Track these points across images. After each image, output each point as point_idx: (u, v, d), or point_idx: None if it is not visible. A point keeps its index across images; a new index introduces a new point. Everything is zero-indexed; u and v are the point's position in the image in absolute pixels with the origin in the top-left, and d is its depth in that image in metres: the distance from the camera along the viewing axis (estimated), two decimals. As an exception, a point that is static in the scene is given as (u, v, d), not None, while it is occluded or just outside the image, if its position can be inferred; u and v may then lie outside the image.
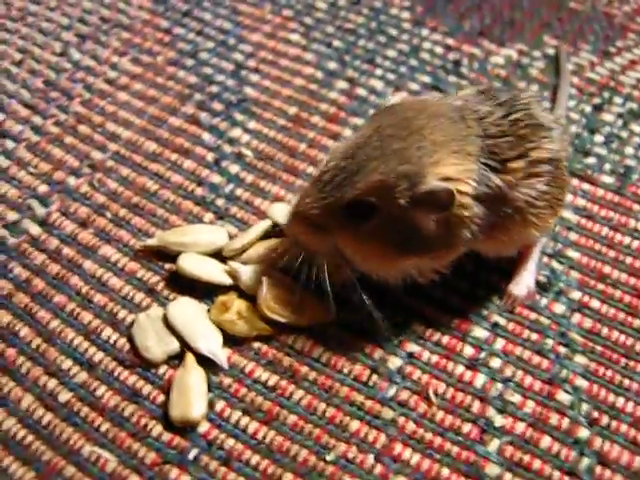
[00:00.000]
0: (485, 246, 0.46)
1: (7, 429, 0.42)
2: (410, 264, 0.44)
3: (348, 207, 0.41)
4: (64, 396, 0.44)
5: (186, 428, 0.42)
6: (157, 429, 0.42)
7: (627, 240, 0.52)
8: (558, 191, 0.45)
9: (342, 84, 0.61)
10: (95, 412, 0.43)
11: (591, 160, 0.56)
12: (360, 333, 0.46)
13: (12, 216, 0.52)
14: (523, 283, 0.48)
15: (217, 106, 0.60)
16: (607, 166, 0.56)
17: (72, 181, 0.54)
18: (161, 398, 0.44)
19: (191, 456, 0.41)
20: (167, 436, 0.42)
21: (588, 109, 0.60)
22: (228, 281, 0.47)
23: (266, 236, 0.49)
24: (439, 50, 0.65)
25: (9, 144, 0.57)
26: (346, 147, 0.42)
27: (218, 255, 0.49)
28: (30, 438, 0.42)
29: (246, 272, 0.47)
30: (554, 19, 0.69)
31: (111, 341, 0.46)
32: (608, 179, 0.55)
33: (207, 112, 0.59)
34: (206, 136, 0.57)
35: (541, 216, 0.45)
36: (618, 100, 0.61)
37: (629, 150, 0.57)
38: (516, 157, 0.43)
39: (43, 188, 0.54)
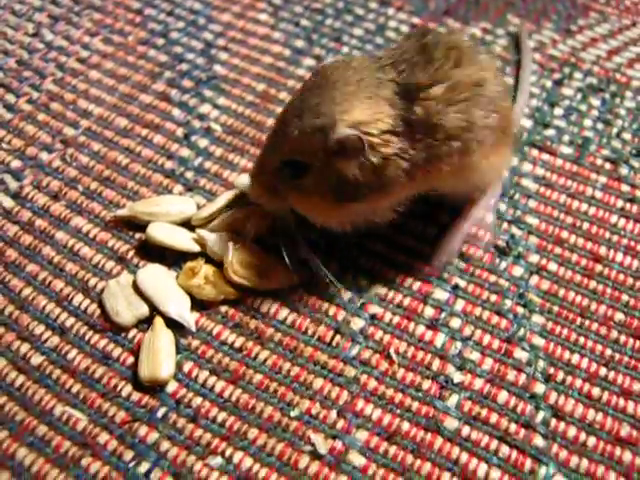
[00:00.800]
0: (435, 181, 0.47)
1: (-20, 391, 0.44)
2: (354, 212, 0.45)
3: (284, 168, 0.44)
4: (36, 359, 0.45)
5: (155, 388, 0.44)
6: (126, 389, 0.44)
7: (584, 207, 0.53)
8: (499, 117, 0.46)
9: (309, 61, 0.63)
10: (66, 374, 0.44)
11: (550, 132, 0.58)
12: (324, 296, 0.48)
13: (-15, 190, 0.53)
14: (455, 241, 0.50)
15: (187, 83, 0.61)
16: (566, 137, 0.58)
17: (44, 156, 0.55)
18: (130, 360, 0.45)
19: (159, 414, 0.43)
20: (136, 396, 0.44)
21: (549, 84, 0.62)
22: (196, 248, 0.49)
23: (232, 205, 0.51)
24: (404, 28, 0.66)
25: (-18, 121, 0.58)
26: (281, 111, 0.45)
27: (187, 225, 0.50)
28: (3, 399, 0.43)
29: (212, 239, 0.48)
30: (518, -1, 0.70)
31: (82, 307, 0.47)
32: (567, 150, 0.57)
33: (177, 89, 0.60)
34: (176, 112, 0.59)
35: (484, 144, 0.45)
36: (578, 75, 0.63)
37: (587, 122, 0.59)
38: (433, 83, 0.44)
39: (16, 163, 0.55)
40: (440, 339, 0.46)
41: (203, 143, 0.56)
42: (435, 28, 0.48)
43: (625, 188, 0.55)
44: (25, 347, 0.45)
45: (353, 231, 0.48)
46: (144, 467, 0.41)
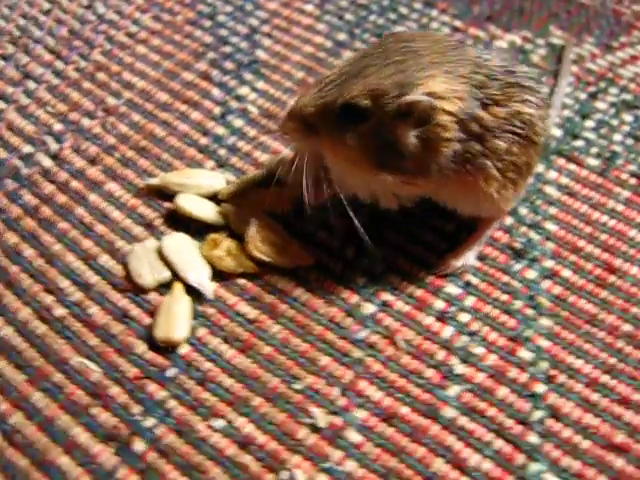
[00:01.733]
0: (449, 189, 0.48)
1: (4, 336, 0.46)
2: (382, 182, 0.46)
3: (342, 108, 0.43)
4: (59, 311, 0.47)
5: (168, 349, 0.46)
6: (141, 348, 0.46)
7: (604, 219, 0.54)
8: (524, 161, 0.47)
9: (349, 54, 0.64)
10: (86, 328, 0.47)
11: (579, 143, 0.59)
12: (339, 279, 0.49)
13: (27, 149, 0.56)
14: (462, 257, 0.50)
15: (229, 65, 0.63)
16: (594, 150, 0.58)
17: (86, 122, 0.58)
18: (147, 321, 0.47)
19: (170, 374, 0.45)
20: (150, 354, 0.46)
21: (583, 96, 0.63)
22: (221, 221, 0.51)
23: (260, 184, 0.53)
24: (446, 30, 0.68)
25: (31, 84, 0.61)
26: (353, 57, 0.46)
27: (214, 198, 0.52)
28: (24, 346, 0.46)
29: (237, 214, 0.50)
30: (563, 11, 0.71)
31: (107, 266, 0.49)
32: (594, 162, 0.57)
33: (219, 70, 0.62)
34: (215, 91, 0.61)
35: (504, 178, 0.47)
36: (614, 91, 0.63)
37: (617, 137, 0.60)
38: (500, 103, 0.45)
39: (58, 126, 0.57)
40: (447, 331, 0.48)
41: (238, 123, 0.58)
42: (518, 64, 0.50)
43: (647, 204, 0.55)
44: (50, 299, 0.48)
45: (373, 220, 0.49)
46: (150, 422, 0.43)
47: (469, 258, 0.51)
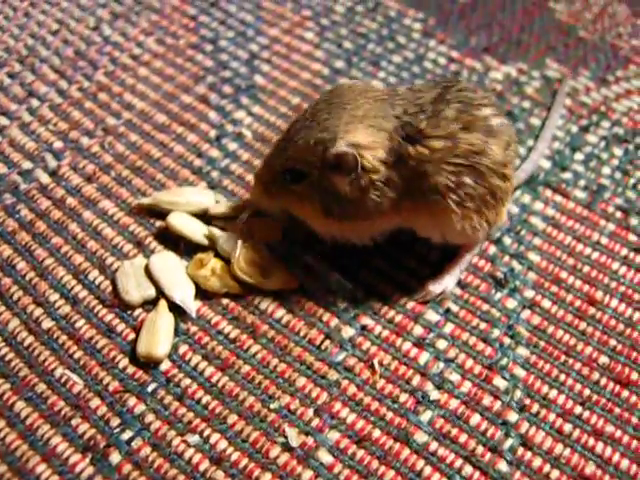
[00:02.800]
0: (412, 222, 0.50)
1: (-8, 346, 0.48)
2: (337, 227, 0.49)
3: (283, 173, 0.48)
4: (47, 324, 0.49)
5: (149, 364, 0.47)
6: (123, 362, 0.47)
7: (588, 251, 0.55)
8: (487, 192, 0.48)
9: (345, 81, 0.66)
10: (71, 341, 0.48)
11: (567, 175, 0.60)
12: (320, 302, 0.50)
13: (27, 165, 0.58)
14: (442, 283, 0.51)
15: (227, 89, 0.65)
16: (582, 182, 0.59)
17: (85, 141, 0.60)
18: (132, 336, 0.48)
19: (150, 389, 0.46)
20: (131, 369, 0.47)
21: (574, 129, 0.64)
22: (208, 242, 0.52)
23: (250, 211, 0.53)
24: (442, 61, 0.69)
25: (34, 102, 0.63)
26: (294, 119, 0.49)
27: (204, 216, 0.54)
28: (11, 356, 0.47)
29: (223, 237, 0.51)
30: (560, 44, 0.72)
31: (96, 282, 0.51)
32: (580, 194, 0.58)
33: (217, 93, 0.64)
34: (212, 115, 0.62)
35: (465, 210, 0.47)
36: (606, 124, 0.64)
37: (606, 170, 0.60)
38: (438, 137, 0.46)
39: (58, 144, 0.59)
40: (424, 357, 0.48)
41: (232, 146, 0.60)
42: (461, 82, 0.50)
43: (632, 238, 0.56)
44: (38, 311, 0.49)
45: (356, 246, 0.50)
46: (127, 435, 0.44)
47: (449, 285, 0.51)
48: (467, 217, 0.48)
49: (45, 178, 0.57)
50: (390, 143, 0.46)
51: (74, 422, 0.44)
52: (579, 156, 0.61)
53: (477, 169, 0.47)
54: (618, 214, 0.57)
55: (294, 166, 0.47)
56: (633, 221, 0.57)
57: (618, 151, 0.62)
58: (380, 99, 0.48)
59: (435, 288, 0.51)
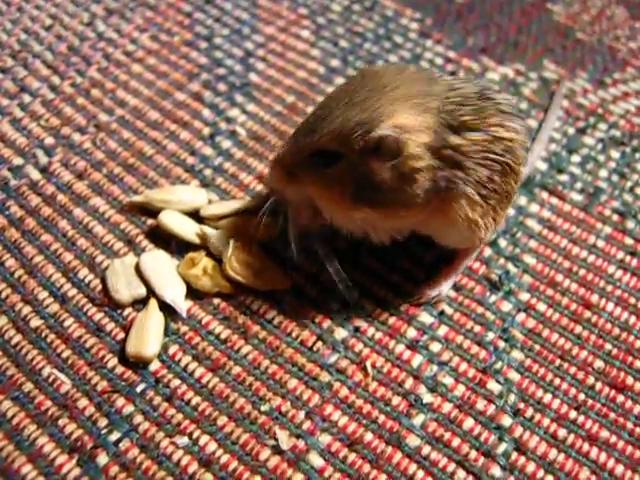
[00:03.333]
0: (432, 222, 0.48)
1: (-22, 343, 0.47)
2: (365, 216, 0.46)
3: (314, 154, 0.44)
4: (35, 322, 0.48)
5: (138, 364, 0.46)
6: (112, 362, 0.46)
7: (584, 254, 0.54)
8: (505, 189, 0.47)
9: (341, 80, 0.65)
10: (60, 340, 0.47)
11: (564, 177, 0.59)
12: (313, 303, 0.50)
13: (17, 161, 0.57)
14: (437, 287, 0.51)
15: (221, 87, 0.64)
16: (578, 185, 0.59)
17: (77, 137, 0.59)
18: (121, 336, 0.48)
19: (139, 389, 0.45)
20: (120, 369, 0.46)
21: (571, 131, 0.63)
22: (200, 241, 0.51)
23: (245, 210, 0.53)
24: (439, 61, 0.68)
25: (26, 98, 0.62)
26: (323, 100, 0.46)
27: (196, 214, 0.53)
28: (-2, 354, 0.46)
29: (215, 236, 0.51)
30: (558, 46, 0.71)
31: (86, 280, 0.50)
32: (577, 197, 0.58)
33: (211, 91, 0.63)
34: (206, 112, 0.62)
35: (486, 204, 0.46)
36: (603, 126, 0.64)
37: (603, 173, 0.60)
38: (475, 128, 0.45)
39: (49, 140, 0.58)
40: (417, 360, 0.48)
41: (226, 144, 0.59)
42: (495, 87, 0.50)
43: (629, 241, 0.55)
44: (27, 309, 0.49)
45: (351, 246, 0.50)
46: (115, 436, 0.43)
47: (444, 288, 0.51)
48: (487, 214, 0.47)
49: (36, 174, 0.56)
50: (435, 125, 0.43)
51: (61, 422, 0.44)
52: (576, 158, 0.61)
53: (505, 167, 0.46)
54: (615, 217, 0.57)
55: (328, 147, 0.44)
56: (630, 224, 0.56)
57: (615, 154, 0.62)
58: (422, 76, 0.46)
59: (431, 291, 0.50)
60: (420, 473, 0.43)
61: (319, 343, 0.48)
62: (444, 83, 0.46)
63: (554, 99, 0.65)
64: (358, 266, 0.52)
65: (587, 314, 0.51)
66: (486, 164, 0.45)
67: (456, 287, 0.51)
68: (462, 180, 0.45)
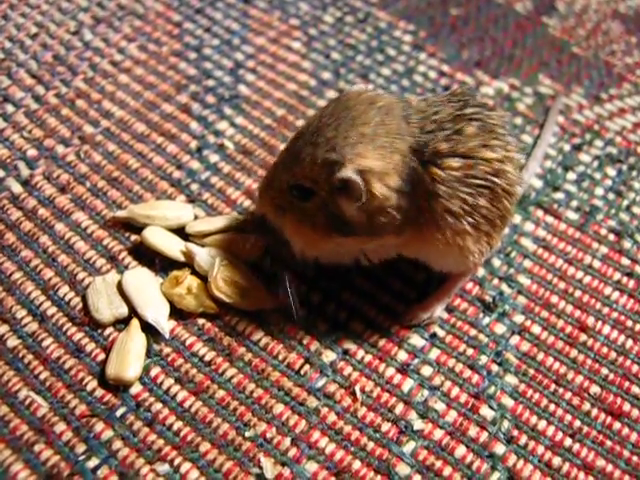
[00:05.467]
0: (420, 251, 0.47)
1: (-48, 365, 0.45)
2: (338, 247, 0.46)
3: (291, 189, 0.45)
4: (12, 342, 0.46)
5: (119, 387, 0.45)
6: (92, 384, 0.45)
7: (580, 274, 0.53)
8: (497, 214, 0.45)
9: (332, 94, 0.64)
10: (38, 361, 0.46)
11: (559, 195, 0.58)
12: (300, 324, 0.48)
13: (-2, 173, 0.55)
14: (430, 309, 0.49)
15: (210, 99, 0.62)
16: (574, 203, 0.57)
17: (60, 149, 0.57)
18: (102, 357, 0.46)
19: (118, 413, 0.44)
20: (100, 392, 0.44)
21: (567, 147, 0.62)
22: (185, 259, 0.50)
23: (231, 228, 0.52)
24: (433, 74, 0.67)
25: (9, 108, 0.60)
26: (297, 131, 0.46)
27: (182, 231, 0.51)
28: (-28, 375, 0.45)
29: (201, 254, 0.49)
30: (554, 60, 0.70)
31: (66, 299, 0.48)
32: (573, 215, 0.57)
33: (199, 103, 0.62)
34: (194, 125, 0.60)
35: (477, 231, 0.45)
36: (599, 143, 0.63)
37: (599, 191, 0.59)
38: (457, 155, 0.43)
39: (32, 152, 0.57)
40: (408, 384, 0.46)
41: (214, 158, 0.58)
42: (476, 97, 0.48)
43: (625, 262, 0.54)
44: (4, 328, 0.47)
45: (340, 266, 0.48)
46: (93, 462, 0.42)
47: (437, 310, 0.49)
48: (478, 241, 0.45)
49: (17, 187, 0.54)
50: (404, 166, 0.43)
51: (37, 448, 0.42)
52: (571, 176, 0.60)
53: (494, 190, 0.44)
54: (611, 237, 0.55)
55: (301, 183, 0.44)
56: (626, 244, 0.55)
57: (611, 171, 0.60)
58: (392, 112, 0.44)
59: (423, 313, 0.49)
60: (410, 504, 0.42)
61: (307, 366, 0.47)
62: (419, 111, 0.44)
63: (549, 115, 0.64)
64: (348, 286, 0.50)
65: (583, 337, 0.50)
66: (470, 190, 0.43)
67: (448, 308, 0.50)
68: (442, 209, 0.43)
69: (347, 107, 0.44)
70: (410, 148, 0.43)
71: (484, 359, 0.48)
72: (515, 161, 0.46)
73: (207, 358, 0.46)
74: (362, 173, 0.42)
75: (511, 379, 0.47)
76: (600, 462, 0.44)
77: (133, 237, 0.52)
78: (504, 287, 0.52)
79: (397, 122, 0.43)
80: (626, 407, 0.46)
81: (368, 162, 0.42)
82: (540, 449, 0.44)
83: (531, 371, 0.48)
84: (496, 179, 0.44)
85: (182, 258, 0.50)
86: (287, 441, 0.43)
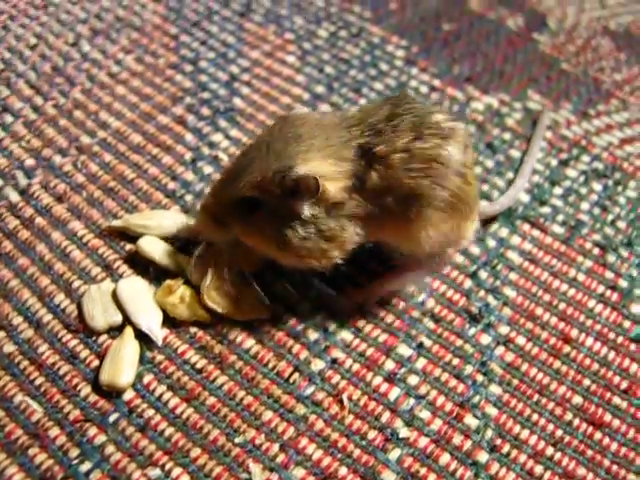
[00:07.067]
0: (391, 236, 0.50)
1: (-52, 370, 0.46)
2: (294, 255, 0.48)
3: (237, 203, 0.47)
4: (8, 348, 0.47)
5: (112, 393, 0.45)
6: (86, 390, 0.46)
7: (564, 287, 0.54)
8: (452, 195, 0.47)
9: (325, 108, 0.65)
10: (33, 366, 0.47)
11: (546, 209, 0.59)
12: (291, 333, 0.49)
13: (-4, 182, 0.57)
14: (390, 283, 0.52)
15: (205, 111, 0.64)
16: (560, 217, 0.59)
17: (58, 159, 0.58)
18: (95, 363, 0.47)
19: (111, 419, 0.45)
20: (93, 398, 0.45)
21: (554, 162, 0.63)
22: (179, 268, 0.51)
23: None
24: (424, 89, 0.68)
25: (8, 118, 0.61)
26: (245, 148, 0.49)
27: (176, 239, 0.53)
28: (-33, 381, 0.46)
29: (194, 264, 0.50)
30: (543, 76, 0.72)
31: (62, 306, 0.50)
32: (558, 229, 0.58)
33: (194, 115, 0.63)
34: (189, 137, 0.61)
35: (435, 215, 0.47)
36: (586, 159, 0.64)
37: (585, 205, 0.60)
38: (395, 151, 0.46)
39: (30, 162, 0.58)
40: (395, 393, 0.47)
41: (208, 170, 0.59)
42: (409, 96, 0.51)
43: (609, 275, 0.55)
44: (0, 334, 0.48)
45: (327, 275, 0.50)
46: (86, 466, 0.43)
47: (402, 284, 0.52)
48: (431, 226, 0.48)
49: (14, 196, 0.55)
50: (351, 170, 0.46)
51: (31, 452, 0.43)
52: (558, 190, 0.61)
53: (437, 174, 0.47)
54: (595, 250, 0.57)
55: (248, 195, 0.46)
56: (611, 258, 0.56)
57: (597, 186, 0.62)
58: (334, 125, 0.47)
59: (380, 289, 0.52)
60: (394, 510, 0.43)
61: (296, 374, 0.48)
62: (358, 119, 0.48)
63: (536, 130, 0.65)
64: (340, 293, 0.51)
65: (566, 349, 0.51)
66: (415, 182, 0.46)
67: (435, 319, 0.51)
68: (394, 202, 0.47)
69: (294, 125, 0.47)
70: (355, 153, 0.46)
71: (469, 369, 0.49)
72: (459, 141, 0.48)
73: (199, 366, 0.47)
74: (313, 172, 0.45)
75: (495, 389, 0.48)
76: (581, 471, 0.45)
77: (128, 246, 0.53)
78: (490, 299, 0.53)
79: (340, 133, 0.47)
80: (607, 417, 0.47)
81: (318, 168, 0.45)
82: (522, 458, 0.45)
83: (515, 381, 0.49)
84: (436, 164, 0.47)
85: (176, 268, 0.51)
86: (276, 447, 0.44)
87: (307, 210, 0.46)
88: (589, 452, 0.46)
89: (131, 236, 0.53)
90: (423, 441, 0.45)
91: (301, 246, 0.47)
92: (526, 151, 0.63)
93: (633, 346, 0.51)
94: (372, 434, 0.45)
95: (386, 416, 0.46)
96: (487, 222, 0.57)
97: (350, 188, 0.46)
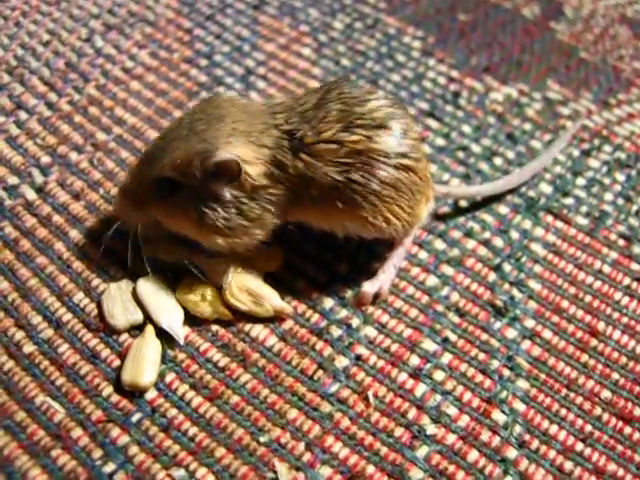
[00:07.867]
0: (315, 218, 0.49)
1: (-31, 370, 0.46)
2: (217, 238, 0.47)
3: (156, 184, 0.46)
4: (28, 348, 0.47)
5: (134, 393, 0.45)
6: (107, 390, 0.45)
7: (590, 280, 0.53)
8: (384, 186, 0.47)
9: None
10: (54, 366, 0.46)
11: (569, 201, 0.58)
12: (314, 330, 0.49)
13: (12, 180, 0.56)
14: (377, 282, 0.50)
15: (221, 105, 0.63)
16: (584, 208, 0.58)
17: (74, 156, 0.58)
18: (117, 363, 0.46)
19: (134, 419, 0.44)
20: (115, 398, 0.45)
21: (576, 153, 0.62)
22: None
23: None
24: (442, 80, 0.67)
25: (23, 115, 0.61)
26: (164, 129, 0.48)
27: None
28: (-11, 381, 0.45)
29: (215, 262, 0.49)
30: (562, 66, 0.71)
31: (82, 305, 0.49)
32: (582, 220, 0.57)
33: (211, 110, 0.62)
34: (205, 131, 0.60)
35: (363, 207, 0.47)
36: (608, 149, 0.63)
37: (608, 196, 0.59)
38: (321, 141, 0.46)
39: (46, 159, 0.57)
40: (421, 389, 0.47)
41: (225, 165, 0.58)
42: (346, 82, 0.50)
43: (635, 267, 0.54)
44: (20, 334, 0.47)
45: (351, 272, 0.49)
46: (110, 467, 0.42)
47: (385, 283, 0.51)
48: (372, 213, 0.47)
49: (31, 194, 0.55)
50: (272, 156, 0.46)
51: (54, 453, 0.42)
52: (581, 181, 0.60)
53: (366, 166, 0.46)
54: (621, 242, 0.56)
55: (168, 176, 0.46)
56: (636, 249, 0.55)
57: (620, 176, 0.61)
58: (259, 111, 0.48)
59: (370, 288, 0.50)
60: (423, 508, 0.42)
61: (320, 372, 0.47)
62: (286, 107, 0.48)
63: (563, 135, 0.63)
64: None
65: (593, 342, 0.50)
66: (339, 170, 0.46)
67: (460, 313, 0.50)
68: (319, 192, 0.46)
69: (217, 106, 0.47)
70: (276, 140, 0.46)
71: (495, 364, 0.48)
72: (395, 129, 0.47)
73: (221, 364, 0.47)
74: (235, 156, 0.45)
75: (522, 384, 0.47)
76: (611, 467, 0.44)
77: (147, 243, 0.52)
78: (515, 292, 0.52)
79: (264, 119, 0.47)
80: (637, 412, 0.47)
81: (239, 151, 0.45)
82: (552, 453, 0.45)
83: (542, 376, 0.48)
84: (365, 155, 0.46)
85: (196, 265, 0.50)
86: (301, 446, 0.44)
87: (227, 192, 0.46)
88: (619, 447, 0.45)
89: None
90: (451, 438, 0.45)
91: (222, 226, 0.46)
92: (549, 145, 0.62)
93: (662, 339, 0.50)
94: (399, 431, 0.45)
95: (412, 413, 0.46)
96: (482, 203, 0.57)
97: (272, 174, 0.46)
